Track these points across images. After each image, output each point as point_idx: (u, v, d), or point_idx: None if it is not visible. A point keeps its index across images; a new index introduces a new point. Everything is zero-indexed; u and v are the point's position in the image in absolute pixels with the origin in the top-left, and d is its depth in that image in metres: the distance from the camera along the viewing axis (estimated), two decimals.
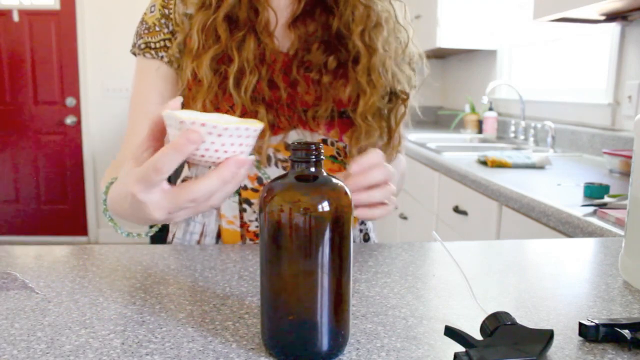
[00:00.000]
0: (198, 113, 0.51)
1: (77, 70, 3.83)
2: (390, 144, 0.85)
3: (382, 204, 0.67)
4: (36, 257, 0.70)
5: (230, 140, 0.47)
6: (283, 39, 0.82)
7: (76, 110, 3.89)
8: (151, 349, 0.45)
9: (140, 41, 0.82)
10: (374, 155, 0.65)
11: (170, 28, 0.81)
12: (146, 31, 0.82)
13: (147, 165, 0.47)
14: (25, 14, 3.78)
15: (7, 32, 3.78)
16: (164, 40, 0.81)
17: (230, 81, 0.76)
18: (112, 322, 0.50)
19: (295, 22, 0.82)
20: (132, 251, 0.73)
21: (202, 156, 0.47)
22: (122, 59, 3.64)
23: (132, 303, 0.55)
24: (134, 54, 0.84)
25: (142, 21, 0.83)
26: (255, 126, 0.48)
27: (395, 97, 0.84)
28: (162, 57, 0.81)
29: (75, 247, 0.75)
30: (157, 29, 0.81)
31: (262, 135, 0.77)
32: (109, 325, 0.50)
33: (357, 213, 0.66)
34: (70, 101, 3.86)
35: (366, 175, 0.64)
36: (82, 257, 0.70)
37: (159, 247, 0.75)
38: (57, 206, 4.00)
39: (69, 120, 3.87)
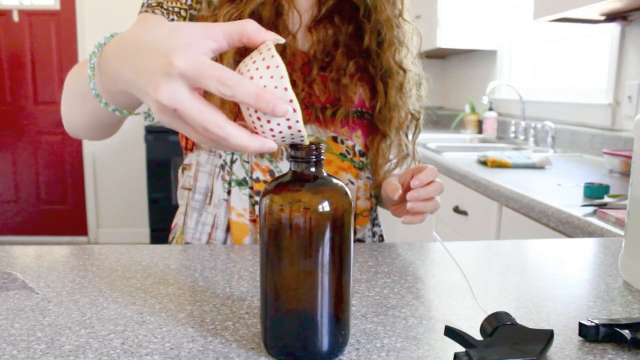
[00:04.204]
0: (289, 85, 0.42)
1: None
2: (413, 158, 0.92)
3: (423, 212, 0.75)
4: (36, 257, 0.70)
5: (286, 133, 0.42)
6: (303, 40, 0.86)
7: None
8: (151, 349, 0.45)
9: (152, 0, 0.80)
10: (431, 172, 0.74)
11: (189, 2, 0.81)
12: None
13: (217, 68, 0.39)
14: (25, 14, 3.78)
15: (7, 32, 3.78)
16: (179, 8, 0.80)
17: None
18: (112, 322, 0.50)
19: (315, 25, 0.85)
20: (132, 251, 0.73)
21: (258, 119, 0.41)
22: None
23: (132, 303, 0.55)
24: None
25: None
26: (305, 137, 0.44)
27: (411, 115, 0.90)
28: (172, 20, 0.80)
29: (75, 247, 0.75)
30: None
31: None
32: (109, 325, 0.50)
33: (404, 219, 0.75)
34: None
35: (426, 189, 0.73)
36: (82, 257, 0.70)
37: (159, 247, 0.75)
38: (57, 206, 4.00)
39: None
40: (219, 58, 0.76)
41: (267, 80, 0.40)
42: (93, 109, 0.58)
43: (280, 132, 0.42)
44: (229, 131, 0.40)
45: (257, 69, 0.41)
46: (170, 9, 0.80)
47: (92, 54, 0.51)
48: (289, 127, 0.41)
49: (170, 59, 0.39)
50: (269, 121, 0.41)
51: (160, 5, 0.80)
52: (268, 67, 0.40)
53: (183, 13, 0.80)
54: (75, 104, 0.64)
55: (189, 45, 0.41)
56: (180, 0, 0.80)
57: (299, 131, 0.42)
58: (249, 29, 0.42)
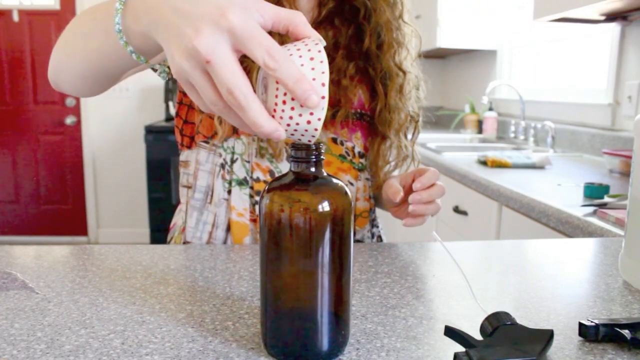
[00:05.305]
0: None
1: None
2: (412, 159, 0.92)
3: (424, 215, 0.75)
4: (36, 257, 0.70)
5: (300, 128, 0.42)
6: None
7: (76, 110, 3.89)
8: (151, 349, 0.45)
9: None
10: (433, 174, 0.74)
11: None
12: None
13: (268, 38, 0.39)
14: (25, 14, 3.78)
15: (7, 32, 3.78)
16: None
17: (254, 75, 0.76)
18: (112, 322, 0.50)
19: (316, 27, 0.85)
20: (132, 251, 0.73)
21: (284, 102, 0.40)
22: None
23: (132, 303, 0.55)
24: None
25: None
26: (313, 140, 0.43)
27: (410, 117, 0.90)
28: None
29: (75, 247, 0.75)
30: None
31: None
32: (109, 325, 0.50)
33: (406, 222, 0.76)
34: (70, 101, 3.86)
35: (428, 191, 0.73)
36: (82, 257, 0.70)
37: (159, 247, 0.75)
38: (57, 206, 4.00)
39: (69, 120, 3.87)
40: None
41: (308, 70, 0.40)
42: (99, 50, 0.55)
43: (297, 124, 0.41)
44: (251, 103, 0.40)
45: (300, 56, 0.41)
46: None
47: None
48: (308, 122, 0.41)
49: (225, 11, 0.39)
50: (292, 108, 0.40)
51: None
52: (312, 59, 0.40)
53: None
54: (80, 45, 0.60)
55: (245, 8, 0.40)
56: None
57: (315, 130, 0.41)
58: (299, 20, 0.42)
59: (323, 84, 0.40)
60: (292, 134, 0.42)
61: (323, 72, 0.40)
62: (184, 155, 0.89)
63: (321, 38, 0.43)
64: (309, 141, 0.43)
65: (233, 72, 0.39)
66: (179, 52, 0.41)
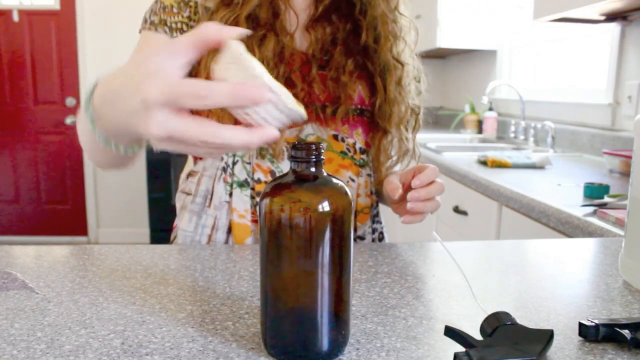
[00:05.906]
0: (261, 66, 0.42)
1: (77, 70, 3.83)
2: (413, 153, 0.92)
3: (423, 212, 0.75)
4: (36, 257, 0.70)
5: (280, 116, 0.42)
6: (300, 40, 0.85)
7: (76, 110, 3.89)
8: (151, 349, 0.45)
9: (155, 18, 0.80)
10: (432, 172, 0.74)
11: (188, 13, 0.81)
12: (162, 10, 0.80)
13: (187, 85, 0.40)
14: (25, 14, 3.78)
15: (7, 32, 3.78)
16: (181, 22, 0.80)
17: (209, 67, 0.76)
18: (112, 322, 0.50)
19: (313, 24, 0.85)
20: (132, 251, 0.73)
21: (247, 114, 0.41)
22: (122, 59, 3.62)
23: (132, 303, 0.55)
24: (140, 32, 0.82)
25: (158, 1, 0.82)
26: (302, 113, 0.44)
27: (411, 109, 0.90)
28: (175, 37, 0.80)
29: (75, 247, 0.75)
30: (175, 10, 0.80)
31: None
32: (109, 325, 0.50)
33: (404, 219, 0.75)
34: (70, 101, 3.86)
35: (427, 189, 0.72)
36: (82, 257, 0.70)
37: (159, 247, 0.75)
38: (57, 206, 4.00)
39: (69, 120, 3.87)
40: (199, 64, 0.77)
41: (236, 73, 0.41)
42: (103, 153, 0.60)
43: (275, 117, 0.42)
44: (226, 136, 0.40)
45: (223, 69, 0.41)
46: (173, 25, 0.80)
47: (87, 103, 0.51)
48: (278, 109, 0.41)
49: (143, 95, 0.40)
50: (264, 118, 0.41)
51: (163, 22, 0.80)
52: (236, 62, 0.41)
53: (185, 28, 0.80)
54: (89, 150, 0.69)
55: (157, 72, 0.41)
56: (181, 14, 0.81)
57: (291, 109, 0.42)
58: (210, 32, 0.42)
59: (254, 75, 0.40)
60: (283, 123, 0.43)
61: (247, 65, 0.40)
62: (197, 166, 0.89)
63: (240, 32, 0.42)
64: (300, 116, 0.43)
65: (191, 129, 0.40)
66: (151, 142, 0.43)
